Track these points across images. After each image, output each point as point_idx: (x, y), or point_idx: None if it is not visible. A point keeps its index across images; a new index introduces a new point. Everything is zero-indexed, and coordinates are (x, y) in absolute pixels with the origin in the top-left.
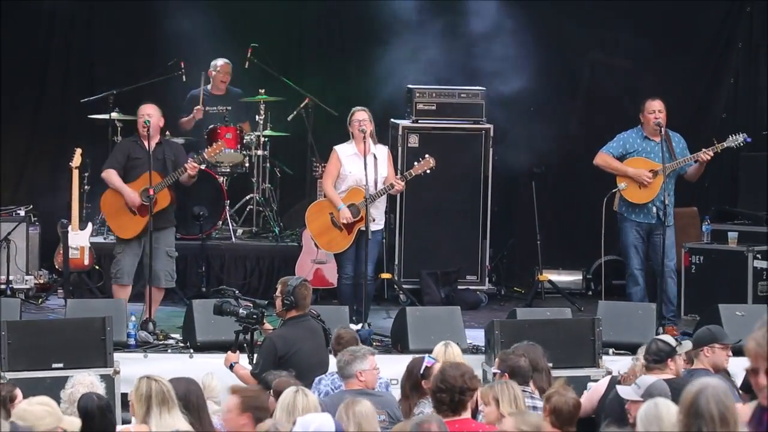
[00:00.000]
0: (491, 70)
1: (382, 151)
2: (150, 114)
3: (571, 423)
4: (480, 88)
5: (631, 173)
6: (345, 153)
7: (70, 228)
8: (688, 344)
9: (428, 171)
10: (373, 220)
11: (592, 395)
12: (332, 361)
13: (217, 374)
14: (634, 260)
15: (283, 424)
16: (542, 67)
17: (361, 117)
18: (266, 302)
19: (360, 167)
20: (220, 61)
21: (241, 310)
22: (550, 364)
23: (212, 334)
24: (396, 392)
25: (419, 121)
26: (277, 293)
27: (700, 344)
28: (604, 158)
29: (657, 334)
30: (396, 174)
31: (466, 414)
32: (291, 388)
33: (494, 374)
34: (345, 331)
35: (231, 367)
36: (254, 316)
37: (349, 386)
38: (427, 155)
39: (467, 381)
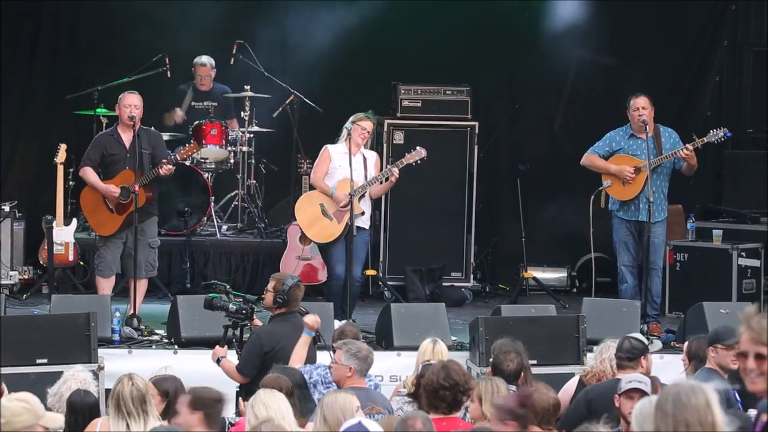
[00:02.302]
0: (476, 68)
1: (371, 155)
2: (136, 105)
3: (551, 422)
4: (465, 85)
5: (613, 170)
6: (336, 150)
7: (54, 224)
8: (658, 344)
9: (419, 161)
10: (362, 213)
11: (562, 396)
12: (321, 356)
13: (191, 367)
14: (624, 257)
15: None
16: (527, 65)
17: (369, 127)
18: (256, 298)
19: (348, 164)
20: (200, 61)
21: (231, 305)
22: (534, 361)
23: (197, 330)
24: (383, 390)
25: (404, 118)
26: (269, 288)
27: (708, 344)
28: (589, 158)
29: (641, 331)
30: None
31: (458, 413)
32: (265, 387)
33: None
34: (350, 327)
35: (218, 361)
36: (244, 312)
37: (359, 384)
38: (418, 146)
39: (468, 380)
